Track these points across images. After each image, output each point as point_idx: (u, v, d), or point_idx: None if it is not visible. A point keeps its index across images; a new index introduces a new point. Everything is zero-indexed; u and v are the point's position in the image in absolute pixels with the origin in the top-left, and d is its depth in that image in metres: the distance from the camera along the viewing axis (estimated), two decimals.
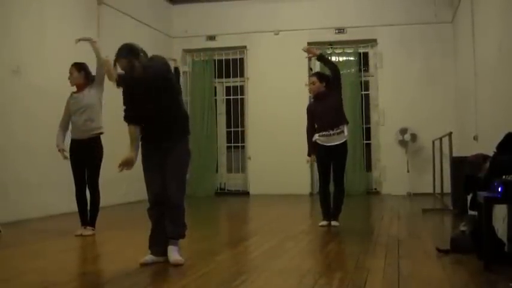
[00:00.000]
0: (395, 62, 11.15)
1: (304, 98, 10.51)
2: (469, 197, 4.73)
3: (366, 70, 11.67)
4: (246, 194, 11.74)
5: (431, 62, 11.04)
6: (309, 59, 11.58)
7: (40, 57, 7.81)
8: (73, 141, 5.98)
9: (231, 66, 12.16)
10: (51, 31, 8.11)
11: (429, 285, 3.56)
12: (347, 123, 6.32)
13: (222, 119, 12.24)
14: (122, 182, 8.99)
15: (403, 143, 10.98)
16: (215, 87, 12.17)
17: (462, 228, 4.60)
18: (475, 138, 8.16)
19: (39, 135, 7.50)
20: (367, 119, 11.53)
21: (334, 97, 6.27)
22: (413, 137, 10.89)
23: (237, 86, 12.22)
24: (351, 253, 4.79)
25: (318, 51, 6.59)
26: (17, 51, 7.43)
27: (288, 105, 11.11)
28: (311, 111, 6.43)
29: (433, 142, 9.72)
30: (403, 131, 10.93)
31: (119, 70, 4.20)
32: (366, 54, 11.64)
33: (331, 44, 11.57)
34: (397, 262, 4.17)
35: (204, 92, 11.85)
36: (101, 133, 6.02)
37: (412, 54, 11.08)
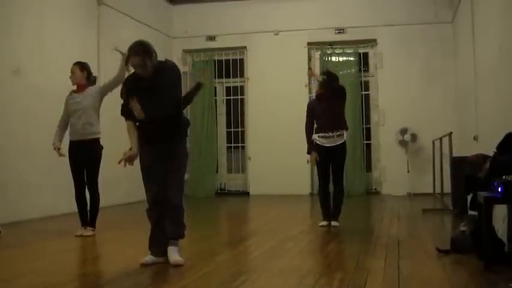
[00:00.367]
0: (396, 62, 11.15)
1: (304, 98, 10.52)
2: (469, 197, 4.73)
3: (366, 70, 11.67)
4: (246, 194, 11.74)
5: (431, 62, 11.04)
6: (309, 59, 11.65)
7: (40, 58, 7.81)
8: (72, 143, 5.97)
9: (231, 66, 12.16)
10: (51, 32, 8.11)
11: (429, 285, 3.56)
12: (347, 129, 6.34)
13: (222, 119, 12.24)
14: (122, 182, 9.01)
15: (403, 143, 10.98)
16: (215, 88, 12.17)
17: (462, 228, 4.60)
18: (475, 138, 8.16)
19: (39, 136, 7.49)
20: (367, 119, 11.53)
21: (338, 102, 6.28)
22: (414, 137, 10.89)
23: (237, 86, 12.22)
24: (351, 253, 4.79)
25: (320, 77, 6.52)
26: (17, 52, 7.43)
27: (288, 106, 11.11)
28: (311, 109, 6.42)
29: (433, 142, 9.71)
30: (403, 131, 10.93)
31: (130, 68, 4.19)
32: (366, 55, 11.63)
33: (331, 44, 11.56)
34: (397, 262, 4.17)
35: (204, 92, 11.81)
36: (99, 138, 6.01)
37: (412, 55, 11.08)
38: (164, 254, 4.25)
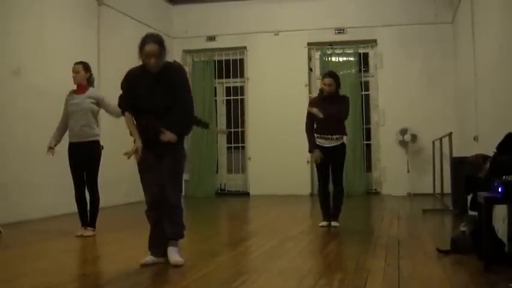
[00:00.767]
0: (396, 63, 11.15)
1: (304, 99, 10.51)
2: (469, 198, 4.73)
3: (366, 70, 11.67)
4: (246, 194, 11.74)
5: (431, 63, 11.04)
6: (309, 59, 11.65)
7: (40, 58, 7.81)
8: (71, 144, 5.97)
9: (231, 66, 12.16)
10: (52, 32, 8.11)
11: (429, 285, 3.56)
12: (346, 134, 6.36)
13: (222, 120, 12.24)
14: (122, 182, 9.01)
15: (403, 144, 10.98)
16: (215, 88, 12.17)
17: (462, 228, 4.61)
18: (475, 138, 8.16)
19: (40, 136, 7.47)
20: (367, 120, 11.53)
21: (341, 106, 6.28)
22: (414, 137, 10.89)
23: (237, 87, 12.22)
24: (351, 254, 4.79)
25: (321, 114, 6.29)
26: (18, 52, 7.43)
27: (288, 106, 11.11)
28: (313, 106, 6.40)
29: (433, 142, 9.72)
30: (403, 132, 10.93)
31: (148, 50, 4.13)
32: (366, 55, 11.63)
33: (331, 44, 11.57)
34: (398, 263, 4.17)
35: (204, 92, 11.85)
36: (98, 139, 6.01)
37: (412, 55, 11.08)
38: (164, 254, 4.26)
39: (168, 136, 4.14)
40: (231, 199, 11.24)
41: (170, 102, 4.20)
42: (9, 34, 7.29)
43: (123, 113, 4.32)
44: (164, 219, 4.26)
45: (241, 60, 12.13)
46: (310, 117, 6.37)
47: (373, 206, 9.48)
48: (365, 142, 11.42)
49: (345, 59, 11.62)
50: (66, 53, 8.11)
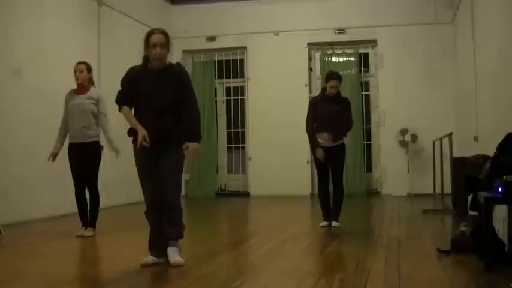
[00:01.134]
0: (396, 63, 11.15)
1: (304, 99, 10.52)
2: (470, 198, 4.73)
3: (366, 71, 11.67)
4: (246, 194, 11.73)
5: (431, 63, 11.03)
6: (309, 59, 11.65)
7: (41, 59, 7.81)
8: (71, 145, 5.97)
9: (231, 66, 12.16)
10: (52, 32, 8.11)
11: (430, 286, 3.56)
12: (345, 135, 6.37)
13: (222, 120, 12.24)
14: (122, 183, 9.01)
15: (403, 144, 10.98)
16: (215, 88, 12.17)
17: (463, 228, 4.60)
18: (476, 138, 8.16)
19: (40, 136, 7.50)
20: (368, 120, 11.53)
21: (344, 109, 6.29)
22: (414, 137, 10.89)
23: (237, 87, 12.22)
24: (351, 254, 4.79)
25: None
26: (18, 53, 7.43)
27: (288, 106, 11.12)
28: (314, 104, 6.39)
29: (434, 143, 9.72)
30: (404, 132, 10.93)
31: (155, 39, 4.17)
32: (366, 55, 11.63)
33: (331, 44, 11.57)
34: (398, 263, 4.17)
35: (204, 92, 11.84)
36: (98, 140, 6.01)
37: (413, 55, 11.08)
38: (164, 254, 4.26)
39: (193, 150, 4.20)
40: (231, 199, 11.25)
41: (171, 102, 4.21)
42: (9, 34, 7.30)
43: (119, 109, 4.31)
44: (164, 219, 4.26)
45: (242, 61, 12.13)
46: (312, 116, 6.37)
47: (374, 206, 9.47)
48: (365, 142, 11.42)
49: (345, 59, 11.61)
50: (66, 53, 8.12)
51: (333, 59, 11.58)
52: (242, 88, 12.15)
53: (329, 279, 3.77)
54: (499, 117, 6.55)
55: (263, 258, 4.62)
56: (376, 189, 11.36)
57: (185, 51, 12.12)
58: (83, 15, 8.92)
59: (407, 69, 11.10)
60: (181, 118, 4.28)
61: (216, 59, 12.10)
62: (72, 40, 8.53)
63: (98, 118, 5.99)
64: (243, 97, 12.11)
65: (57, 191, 7.60)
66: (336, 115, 6.26)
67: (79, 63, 6.06)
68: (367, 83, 11.60)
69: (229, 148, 12.24)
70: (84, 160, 5.91)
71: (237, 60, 12.14)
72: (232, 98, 12.24)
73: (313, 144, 6.30)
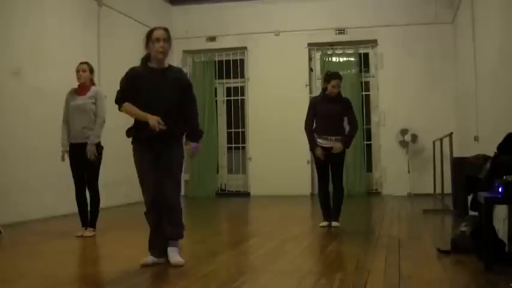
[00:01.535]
0: (396, 63, 11.15)
1: (304, 99, 10.51)
2: (470, 198, 4.73)
3: (367, 71, 11.67)
4: (246, 194, 11.74)
5: (431, 63, 11.03)
6: (310, 59, 11.66)
7: (41, 59, 7.81)
8: (72, 145, 5.97)
9: (231, 67, 12.16)
10: (52, 33, 8.12)
11: (430, 286, 3.56)
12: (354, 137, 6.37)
13: (222, 120, 12.25)
14: (123, 183, 9.01)
15: (403, 144, 10.98)
16: (215, 88, 12.17)
17: (463, 228, 4.60)
18: (476, 138, 8.16)
19: (40, 137, 7.51)
20: (368, 120, 11.53)
21: (343, 110, 6.29)
22: (414, 137, 10.89)
23: (238, 87, 12.22)
24: (351, 254, 4.79)
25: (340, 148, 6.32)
26: (18, 53, 7.44)
27: (288, 106, 11.12)
28: (314, 104, 6.40)
29: (434, 143, 9.72)
30: (404, 132, 10.93)
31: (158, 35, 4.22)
32: (366, 55, 11.64)
33: (331, 44, 11.57)
34: (398, 263, 4.17)
35: (204, 93, 11.85)
36: (99, 140, 6.00)
37: (413, 55, 11.08)
38: (164, 254, 4.26)
39: (194, 149, 4.32)
40: (232, 199, 11.25)
41: (171, 102, 4.21)
42: (9, 34, 7.30)
43: (119, 108, 4.30)
44: (163, 219, 4.26)
45: (242, 61, 12.13)
46: (311, 116, 6.37)
47: (374, 206, 9.47)
48: (365, 142, 11.42)
49: (345, 59, 11.62)
50: (67, 53, 8.12)
51: (333, 59, 11.58)
52: (242, 88, 12.15)
53: (329, 279, 3.76)
54: (499, 117, 6.55)
55: (263, 258, 4.62)
56: (376, 189, 11.36)
57: (185, 52, 12.12)
58: (83, 15, 8.92)
59: (408, 69, 11.10)
60: (181, 118, 4.29)
61: (216, 59, 12.10)
62: (72, 40, 8.53)
63: (96, 113, 5.96)
64: (243, 97, 12.11)
65: (57, 191, 7.60)
66: (336, 115, 6.26)
67: (82, 63, 6.07)
68: (367, 83, 11.60)
69: (229, 148, 12.24)
70: (85, 160, 5.91)
71: (237, 60, 12.15)
72: (232, 98, 12.24)
73: (312, 144, 6.30)
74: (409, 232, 6.05)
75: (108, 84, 7.94)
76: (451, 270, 3.96)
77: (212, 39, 12.04)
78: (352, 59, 11.52)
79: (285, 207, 9.29)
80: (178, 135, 4.31)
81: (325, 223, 6.29)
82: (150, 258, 4.25)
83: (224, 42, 11.99)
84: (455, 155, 7.79)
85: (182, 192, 4.26)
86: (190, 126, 4.35)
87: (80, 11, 8.86)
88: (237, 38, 11.87)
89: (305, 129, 6.36)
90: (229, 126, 12.24)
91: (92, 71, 6.10)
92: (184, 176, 9.98)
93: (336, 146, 6.21)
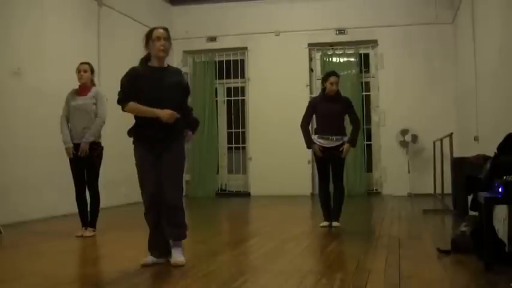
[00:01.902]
0: (396, 63, 11.15)
1: (304, 99, 10.49)
2: (470, 198, 4.73)
3: (367, 71, 11.67)
4: (246, 194, 11.73)
5: (432, 63, 11.03)
6: (310, 59, 11.65)
7: (41, 59, 7.81)
8: (73, 145, 5.96)
9: (231, 67, 12.16)
10: (52, 33, 8.12)
11: (430, 285, 3.56)
12: (346, 135, 6.33)
13: (222, 120, 12.25)
14: (123, 183, 9.01)
15: (403, 144, 10.98)
16: (216, 89, 12.17)
17: (463, 228, 4.60)
18: (476, 139, 8.16)
19: (40, 137, 7.51)
20: (368, 120, 11.52)
21: (343, 109, 6.29)
22: (414, 137, 10.89)
23: (238, 87, 12.22)
24: (351, 254, 4.79)
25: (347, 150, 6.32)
26: (18, 53, 7.43)
27: (288, 106, 11.09)
28: (314, 104, 6.40)
29: (434, 143, 9.72)
30: (404, 132, 10.93)
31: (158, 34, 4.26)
32: (366, 55, 11.63)
33: (331, 45, 11.57)
34: (398, 263, 4.17)
35: (204, 93, 11.85)
36: (99, 141, 5.99)
37: (413, 55, 11.08)
38: (164, 254, 4.26)
39: (190, 137, 4.51)
40: (232, 199, 11.25)
41: (172, 101, 4.22)
42: (9, 34, 7.30)
43: (123, 108, 4.30)
44: (164, 220, 4.24)
45: (242, 61, 12.13)
46: (309, 115, 6.38)
47: (374, 206, 9.47)
48: (366, 142, 11.42)
49: (345, 59, 11.62)
50: (67, 54, 8.12)
51: (334, 59, 11.58)
52: (243, 88, 12.15)
53: (330, 279, 3.77)
54: (499, 117, 6.55)
55: (263, 258, 4.62)
56: (376, 190, 11.36)
57: (186, 52, 12.12)
58: (83, 15, 8.92)
59: (408, 70, 11.10)
60: (181, 117, 4.29)
61: (217, 59, 12.10)
62: (72, 40, 8.53)
63: (98, 114, 5.96)
64: (244, 97, 12.11)
65: (57, 191, 7.60)
66: (337, 114, 6.26)
67: (83, 63, 6.07)
68: (367, 84, 11.60)
69: (229, 148, 12.24)
70: (85, 161, 5.91)
71: (237, 60, 12.15)
72: (232, 98, 12.24)
73: (308, 142, 6.30)
74: (409, 232, 6.05)
75: (108, 84, 7.95)
76: (451, 270, 3.96)
77: (212, 39, 12.04)
78: (353, 59, 11.52)
79: (285, 207, 9.29)
80: (178, 135, 4.31)
81: (325, 223, 6.29)
82: (150, 258, 4.25)
83: (224, 43, 11.99)
84: (455, 155, 7.79)
85: (183, 193, 4.27)
86: (189, 119, 4.47)
87: (80, 11, 8.86)
88: (238, 38, 11.87)
89: (301, 126, 6.37)
90: (229, 126, 12.24)
91: (92, 71, 6.11)
92: (184, 176, 10.00)
93: (345, 148, 6.20)
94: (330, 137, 6.22)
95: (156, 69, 4.28)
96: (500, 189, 3.82)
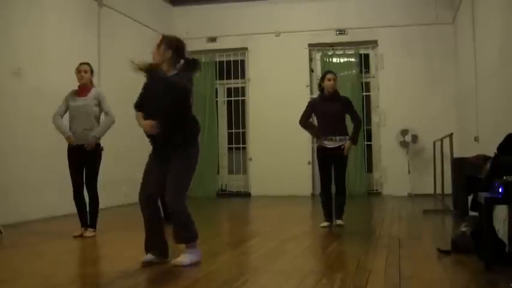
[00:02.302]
0: (396, 63, 11.15)
1: (305, 99, 10.46)
2: (470, 198, 4.72)
3: (367, 71, 11.67)
4: (247, 195, 11.73)
5: (432, 63, 11.03)
6: (310, 60, 11.66)
7: (41, 59, 7.81)
8: (71, 147, 5.96)
9: (232, 67, 12.16)
10: (52, 33, 8.11)
11: (430, 285, 3.56)
12: (348, 135, 6.32)
13: (223, 121, 12.25)
14: (122, 183, 9.01)
15: (404, 144, 10.98)
16: (216, 89, 12.17)
17: (463, 229, 4.60)
18: (476, 139, 8.16)
19: (40, 137, 7.50)
20: (368, 120, 11.52)
21: (343, 108, 6.29)
22: (414, 138, 10.89)
23: (238, 88, 12.22)
24: (352, 254, 4.79)
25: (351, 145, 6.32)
26: (18, 53, 7.43)
27: (289, 107, 11.05)
28: (313, 105, 6.41)
29: (434, 143, 9.72)
30: (404, 132, 10.93)
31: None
32: (366, 56, 11.63)
33: (331, 45, 11.57)
34: (398, 263, 4.17)
35: (205, 93, 11.84)
36: (99, 142, 5.99)
37: (413, 56, 11.08)
38: (161, 254, 4.28)
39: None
40: (232, 200, 11.25)
41: (166, 112, 4.20)
42: (9, 34, 7.30)
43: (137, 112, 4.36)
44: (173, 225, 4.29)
45: (242, 61, 12.13)
46: (307, 114, 6.40)
47: (374, 206, 9.47)
48: (366, 143, 11.42)
49: (345, 60, 11.62)
50: (67, 54, 8.12)
51: (334, 59, 11.58)
52: (243, 89, 12.15)
53: (330, 279, 3.77)
54: (499, 117, 6.55)
55: (264, 258, 4.62)
56: (376, 190, 11.36)
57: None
58: (83, 15, 8.92)
59: (408, 70, 11.10)
60: (182, 127, 4.27)
61: (217, 59, 12.10)
62: (72, 40, 8.53)
63: (101, 117, 5.98)
64: (244, 98, 12.11)
65: (57, 191, 7.59)
66: (336, 114, 6.26)
67: (83, 63, 6.07)
68: (367, 84, 11.60)
69: (230, 149, 12.24)
70: (85, 161, 5.91)
71: (237, 61, 12.14)
72: (233, 98, 12.24)
73: (314, 132, 6.35)
74: (409, 232, 6.05)
75: (109, 84, 7.97)
76: (451, 270, 3.96)
77: (213, 39, 12.04)
78: (353, 59, 11.52)
79: (286, 208, 9.29)
80: (178, 144, 4.25)
81: (326, 223, 6.29)
82: (149, 256, 4.27)
83: (225, 43, 11.99)
84: (455, 155, 7.79)
85: (185, 199, 4.26)
86: (185, 128, 4.37)
87: (80, 11, 8.86)
88: (238, 38, 11.87)
89: (300, 123, 6.41)
90: (229, 126, 12.24)
91: (92, 72, 6.10)
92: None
93: (346, 145, 6.20)
94: (334, 138, 6.22)
95: (158, 77, 4.22)
96: (500, 190, 3.82)
